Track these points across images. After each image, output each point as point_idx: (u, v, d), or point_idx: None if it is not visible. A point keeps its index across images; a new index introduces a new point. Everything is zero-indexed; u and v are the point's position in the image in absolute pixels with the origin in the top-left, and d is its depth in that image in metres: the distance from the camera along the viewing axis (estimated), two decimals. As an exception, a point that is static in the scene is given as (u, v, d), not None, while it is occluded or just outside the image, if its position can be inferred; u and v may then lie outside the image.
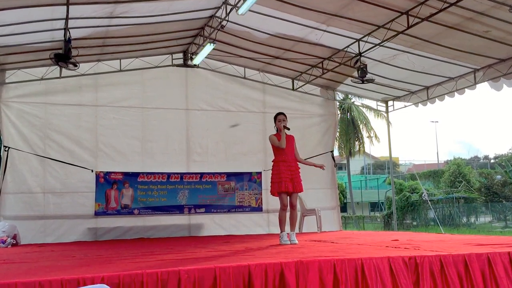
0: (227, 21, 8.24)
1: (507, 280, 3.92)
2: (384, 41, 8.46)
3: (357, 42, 9.11)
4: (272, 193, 6.50)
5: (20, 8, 6.92)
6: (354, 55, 9.36)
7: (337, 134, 27.53)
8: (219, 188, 10.59)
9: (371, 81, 9.37)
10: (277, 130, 6.56)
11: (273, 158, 6.57)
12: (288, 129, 6.50)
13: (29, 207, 9.40)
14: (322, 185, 11.29)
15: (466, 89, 9.81)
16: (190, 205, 10.35)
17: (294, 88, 11.42)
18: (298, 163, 6.56)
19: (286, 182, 6.28)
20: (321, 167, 7.00)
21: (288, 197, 6.40)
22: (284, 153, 6.41)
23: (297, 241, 6.23)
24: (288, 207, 6.41)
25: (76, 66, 7.97)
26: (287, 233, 6.31)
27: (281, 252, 4.84)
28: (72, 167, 9.68)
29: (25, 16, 7.22)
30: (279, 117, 6.53)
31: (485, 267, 3.94)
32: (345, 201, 31.25)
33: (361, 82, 9.38)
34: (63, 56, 7.60)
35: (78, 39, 8.20)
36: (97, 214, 9.74)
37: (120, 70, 10.09)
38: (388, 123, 12.64)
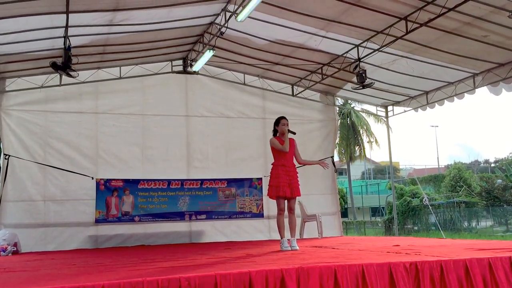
0: (227, 27, 8.27)
1: (508, 285, 3.91)
2: (383, 46, 8.48)
3: (356, 48, 9.13)
4: (270, 196, 6.50)
5: (20, 16, 6.95)
6: (353, 60, 9.38)
7: (337, 139, 27.54)
8: (220, 195, 10.58)
9: (370, 85, 9.38)
10: (274, 134, 6.57)
11: (273, 161, 6.57)
12: (294, 133, 6.50)
13: (30, 215, 9.39)
14: (322, 190, 11.29)
15: (465, 94, 9.82)
16: (191, 212, 10.34)
17: (294, 94, 11.44)
18: (296, 168, 6.55)
19: (284, 187, 6.28)
20: (324, 164, 6.87)
21: (286, 201, 6.40)
22: (284, 158, 6.43)
23: (298, 247, 6.22)
24: (287, 212, 6.40)
25: (74, 73, 7.99)
26: (288, 239, 6.30)
27: (282, 258, 4.83)
28: (73, 175, 9.68)
29: (25, 24, 7.24)
30: (282, 121, 6.53)
31: (486, 272, 3.93)
32: (345, 206, 31.18)
33: (361, 87, 9.39)
34: (63, 66, 7.62)
35: (78, 47, 8.23)
36: (97, 221, 9.74)
37: (120, 78, 10.12)
38: (388, 128, 12.63)
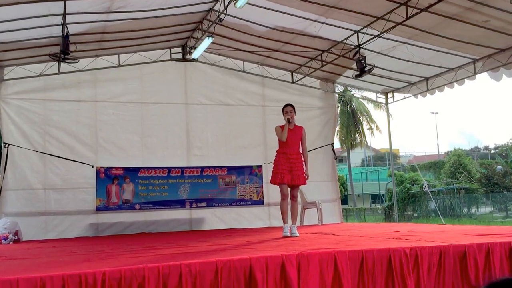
0: (226, 14, 8.20)
1: (502, 270, 3.93)
2: (383, 32, 8.42)
3: (356, 34, 9.07)
4: (272, 182, 6.51)
5: (17, 4, 6.89)
6: (353, 47, 9.33)
7: (338, 126, 27.50)
8: (220, 182, 10.58)
9: (370, 70, 9.30)
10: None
11: (277, 148, 6.54)
12: (289, 121, 6.45)
13: (30, 203, 9.41)
14: (322, 177, 11.30)
15: (465, 80, 9.78)
16: (191, 199, 10.35)
17: (294, 81, 11.39)
18: (301, 155, 6.49)
19: (283, 173, 6.26)
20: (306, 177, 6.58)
21: (289, 189, 6.40)
22: (286, 145, 6.39)
23: (298, 234, 6.24)
24: (289, 199, 6.40)
25: (75, 60, 7.94)
26: (289, 226, 6.31)
27: (282, 245, 4.85)
28: (73, 163, 9.68)
29: (22, 12, 7.19)
30: (286, 109, 6.49)
31: (486, 257, 3.95)
32: (346, 193, 31.27)
33: (364, 72, 9.28)
34: (61, 54, 7.58)
35: (76, 34, 8.17)
36: (98, 209, 9.75)
37: (119, 65, 10.07)
38: (388, 114, 12.60)
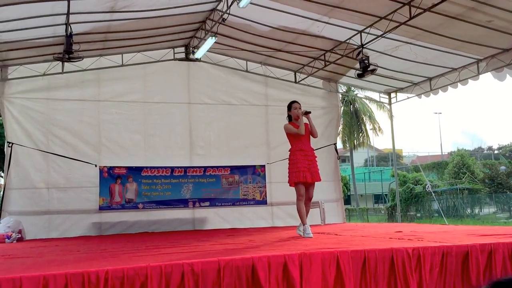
0: (229, 14, 8.20)
1: (511, 269, 3.92)
2: (386, 32, 8.40)
3: (359, 34, 9.06)
4: (290, 184, 6.28)
5: (21, 3, 6.91)
6: (356, 47, 9.32)
7: (341, 126, 27.49)
8: (223, 182, 10.59)
9: (373, 70, 9.27)
10: (289, 120, 6.43)
11: (290, 148, 6.38)
12: (309, 112, 6.30)
13: (34, 202, 9.44)
14: (325, 177, 11.15)
15: (469, 80, 9.76)
16: (194, 199, 10.36)
17: (296, 81, 11.39)
18: (314, 151, 6.41)
19: (304, 171, 6.11)
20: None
21: (305, 188, 6.22)
22: (301, 142, 6.27)
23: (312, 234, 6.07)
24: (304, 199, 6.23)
25: (78, 59, 7.96)
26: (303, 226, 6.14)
27: (285, 244, 4.86)
28: (76, 162, 9.71)
29: (26, 11, 7.21)
30: (295, 105, 6.36)
31: (487, 258, 3.94)
32: (348, 193, 31.23)
33: (367, 72, 9.23)
34: (65, 54, 7.59)
35: (80, 34, 8.19)
36: (101, 208, 9.77)
37: (122, 65, 10.08)
38: (391, 115, 12.58)
